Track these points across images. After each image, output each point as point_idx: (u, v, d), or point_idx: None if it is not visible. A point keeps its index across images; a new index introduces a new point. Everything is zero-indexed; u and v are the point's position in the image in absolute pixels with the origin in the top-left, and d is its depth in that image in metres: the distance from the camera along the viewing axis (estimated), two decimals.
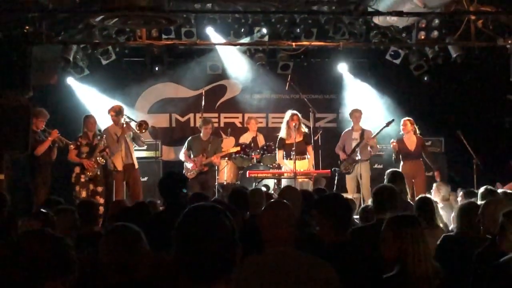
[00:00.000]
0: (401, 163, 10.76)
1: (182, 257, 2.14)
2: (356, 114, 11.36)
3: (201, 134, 11.37)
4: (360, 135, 11.12)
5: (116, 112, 10.60)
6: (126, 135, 10.57)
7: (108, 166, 10.40)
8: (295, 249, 3.54)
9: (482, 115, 12.75)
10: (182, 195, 5.39)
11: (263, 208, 3.83)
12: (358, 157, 10.85)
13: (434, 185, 9.01)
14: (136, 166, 10.69)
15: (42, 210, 5.38)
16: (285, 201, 3.90)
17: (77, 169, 10.22)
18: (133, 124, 10.70)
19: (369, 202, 6.66)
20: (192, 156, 11.32)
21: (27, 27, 9.23)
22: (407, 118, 11.06)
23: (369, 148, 11.16)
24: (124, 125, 10.56)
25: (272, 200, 3.97)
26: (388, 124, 11.05)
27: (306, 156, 10.58)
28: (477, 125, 12.44)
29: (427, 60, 12.17)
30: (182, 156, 11.49)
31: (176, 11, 8.49)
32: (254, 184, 10.71)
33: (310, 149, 10.71)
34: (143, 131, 10.72)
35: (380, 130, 11.12)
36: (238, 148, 11.54)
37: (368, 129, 11.31)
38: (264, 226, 3.63)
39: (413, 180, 10.41)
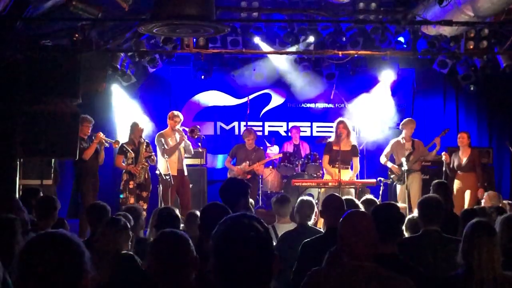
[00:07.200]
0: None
1: (219, 268, 2.10)
2: (410, 124, 10.95)
3: (246, 144, 11.38)
4: (412, 145, 10.81)
5: (181, 119, 10.56)
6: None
7: (157, 171, 10.42)
8: (374, 264, 3.38)
9: None
10: (241, 204, 5.14)
11: (341, 219, 3.57)
12: (405, 167, 10.58)
13: (485, 194, 8.87)
14: (186, 173, 10.69)
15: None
16: (365, 212, 3.72)
17: (125, 176, 10.30)
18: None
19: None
20: (235, 164, 11.37)
21: (76, 35, 9.37)
22: (464, 131, 10.85)
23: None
24: (183, 133, 10.49)
25: (352, 210, 3.79)
26: (443, 133, 10.74)
27: (349, 166, 10.43)
28: None
29: (475, 70, 11.98)
30: (226, 163, 11.61)
31: (223, 20, 8.53)
32: (298, 193, 10.61)
33: (356, 160, 10.52)
34: (195, 136, 10.70)
35: (434, 140, 10.76)
36: (280, 155, 11.54)
37: (417, 139, 10.95)
38: (343, 238, 3.46)
39: (465, 194, 10.23)
